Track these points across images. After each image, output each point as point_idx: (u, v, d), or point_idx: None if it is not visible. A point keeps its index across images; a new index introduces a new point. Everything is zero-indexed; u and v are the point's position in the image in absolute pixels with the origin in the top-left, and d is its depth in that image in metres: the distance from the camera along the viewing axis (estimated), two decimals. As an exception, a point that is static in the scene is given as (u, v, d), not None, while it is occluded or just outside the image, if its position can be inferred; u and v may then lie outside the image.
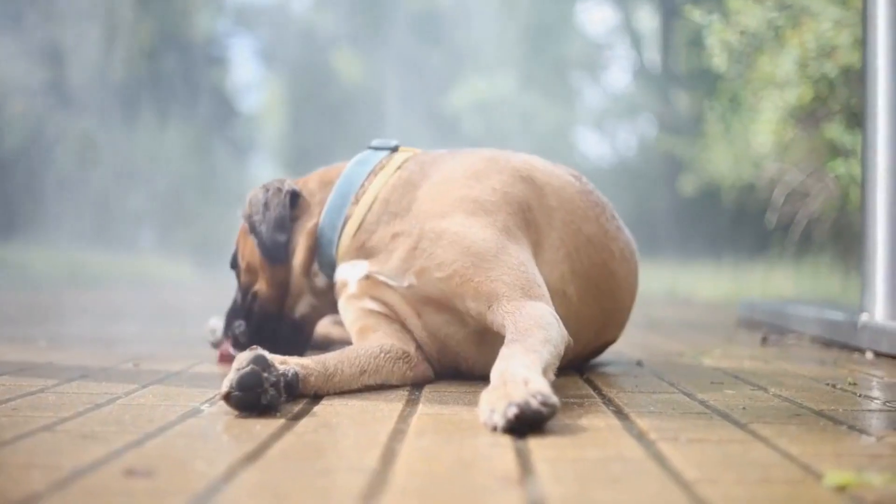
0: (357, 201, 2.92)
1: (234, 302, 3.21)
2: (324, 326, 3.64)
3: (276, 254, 3.01)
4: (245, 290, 3.16)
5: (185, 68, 19.36)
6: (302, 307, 3.10)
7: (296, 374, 2.39)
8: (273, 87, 24.56)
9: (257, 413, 2.19)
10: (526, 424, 1.97)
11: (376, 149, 3.10)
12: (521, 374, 2.10)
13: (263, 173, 24.90)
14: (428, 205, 2.78)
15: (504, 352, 2.28)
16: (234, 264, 3.22)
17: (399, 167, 2.96)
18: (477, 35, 22.96)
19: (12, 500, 1.44)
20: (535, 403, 1.98)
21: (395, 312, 2.80)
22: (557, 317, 2.54)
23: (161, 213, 18.03)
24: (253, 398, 2.19)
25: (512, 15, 22.73)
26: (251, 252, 3.11)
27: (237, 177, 21.23)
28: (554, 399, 2.02)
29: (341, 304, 2.95)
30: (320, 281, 3.05)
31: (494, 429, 2.00)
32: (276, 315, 3.11)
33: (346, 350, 2.65)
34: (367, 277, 2.83)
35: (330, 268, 2.99)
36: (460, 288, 2.63)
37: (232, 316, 3.19)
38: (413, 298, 2.75)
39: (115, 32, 14.37)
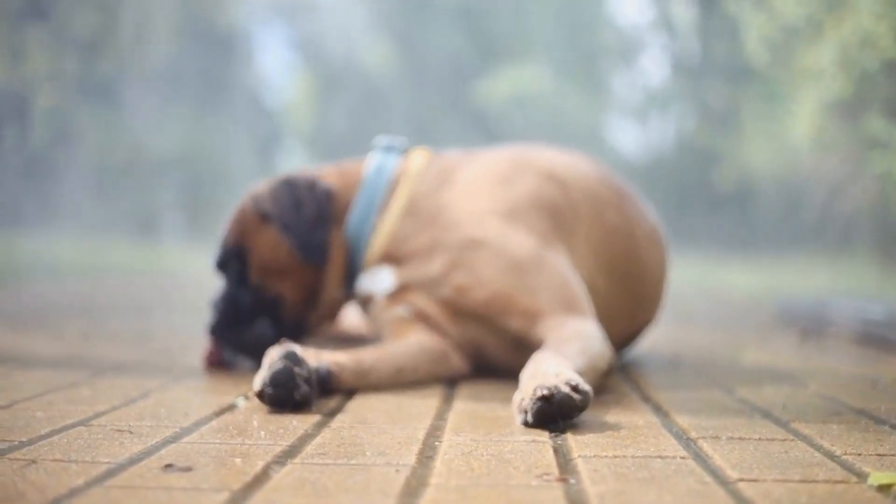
0: (382, 212, 2.88)
1: (229, 303, 2.92)
2: (356, 324, 3.60)
3: (317, 254, 2.87)
4: (258, 292, 2.92)
5: (215, 58, 19.42)
6: (321, 314, 3.04)
7: (328, 371, 2.39)
8: (304, 77, 24.58)
9: (291, 408, 2.19)
10: (557, 411, 1.98)
11: (386, 149, 3.04)
12: (552, 369, 2.10)
13: (292, 163, 24.94)
14: (461, 213, 2.75)
15: (535, 355, 2.28)
16: (232, 263, 2.94)
17: (419, 173, 2.92)
18: (510, 27, 22.92)
19: (51, 495, 1.44)
20: (565, 388, 1.99)
21: (429, 318, 2.77)
22: (603, 334, 2.55)
23: (188, 204, 18.11)
24: (286, 394, 2.19)
25: (545, 6, 22.68)
26: (273, 251, 2.90)
27: (265, 167, 21.25)
28: (586, 387, 2.02)
29: (372, 311, 2.91)
30: (344, 289, 2.99)
31: (526, 420, 2.01)
32: (300, 322, 2.98)
33: (383, 348, 2.64)
34: (400, 287, 2.80)
35: (354, 278, 2.94)
36: (504, 308, 2.63)
37: (235, 323, 2.91)
38: (450, 308, 2.73)
39: (146, 22, 14.43)
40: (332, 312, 3.06)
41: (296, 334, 2.93)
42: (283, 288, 2.92)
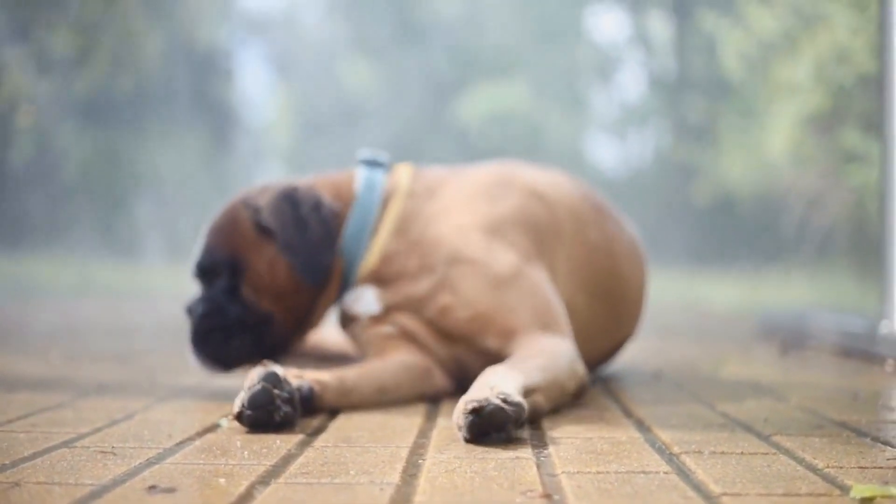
0: (375, 232, 2.82)
1: (213, 314, 2.80)
2: (334, 340, 3.57)
3: (322, 277, 2.77)
4: (249, 309, 2.79)
5: (194, 78, 19.39)
6: (309, 333, 2.99)
7: (310, 390, 2.37)
8: (282, 97, 24.59)
9: (272, 430, 2.18)
10: (487, 422, 1.99)
11: (370, 164, 2.96)
12: (490, 382, 2.13)
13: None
14: (445, 230, 2.74)
15: (485, 370, 2.29)
16: (222, 274, 2.82)
17: (407, 192, 2.87)
18: (487, 44, 22.99)
19: (34, 518, 1.44)
20: (496, 401, 2.00)
21: (415, 337, 2.76)
22: (575, 354, 2.56)
23: (170, 225, 18.09)
24: (265, 416, 2.18)
25: (522, 23, 22.76)
26: (271, 270, 2.77)
27: (246, 185, 21.21)
28: (518, 399, 2.04)
29: (355, 330, 2.88)
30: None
31: (464, 436, 2.03)
32: (286, 340, 2.89)
33: (366, 366, 2.63)
34: (386, 308, 2.78)
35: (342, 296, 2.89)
36: (482, 327, 2.64)
37: (218, 335, 2.81)
38: (434, 328, 2.72)
39: (123, 43, 14.43)
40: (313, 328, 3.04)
41: (280, 352, 2.87)
42: (275, 307, 2.81)
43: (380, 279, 2.80)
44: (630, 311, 3.15)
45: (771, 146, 7.86)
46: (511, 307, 2.61)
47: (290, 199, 2.81)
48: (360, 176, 2.93)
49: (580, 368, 2.54)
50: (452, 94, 22.06)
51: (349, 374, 2.53)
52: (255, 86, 24.21)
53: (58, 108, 12.62)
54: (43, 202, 11.98)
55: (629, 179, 21.62)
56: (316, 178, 2.98)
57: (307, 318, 2.89)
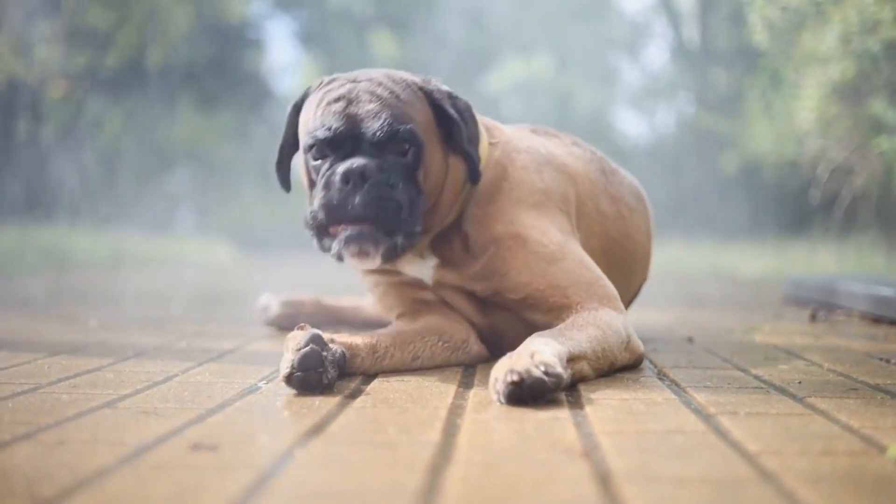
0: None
1: (382, 192, 2.44)
2: (375, 312, 3.52)
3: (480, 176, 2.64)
4: (419, 194, 2.52)
5: (223, 52, 19.41)
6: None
7: (343, 354, 2.37)
8: (310, 69, 24.59)
9: (319, 391, 2.19)
10: (527, 392, 2.01)
11: None
12: (532, 349, 2.13)
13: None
14: (494, 213, 2.66)
15: (532, 336, 2.30)
16: (396, 145, 2.51)
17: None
18: (514, 15, 22.93)
19: (81, 474, 1.46)
20: (536, 372, 2.02)
21: (457, 308, 2.74)
22: (630, 327, 2.56)
23: (200, 196, 18.14)
24: (315, 378, 2.18)
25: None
26: (442, 161, 2.61)
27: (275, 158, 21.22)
28: (559, 370, 2.05)
29: (396, 290, 2.82)
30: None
31: (499, 399, 2.03)
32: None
33: (399, 333, 2.61)
34: (437, 284, 2.72)
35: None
36: (533, 305, 2.61)
37: (393, 206, 2.46)
38: (479, 301, 2.71)
39: (154, 16, 14.45)
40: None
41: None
42: (429, 200, 2.59)
43: (443, 255, 2.70)
44: (640, 261, 3.20)
45: (799, 116, 7.82)
46: (564, 285, 2.59)
47: (456, 97, 2.66)
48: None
49: (636, 342, 2.55)
50: (480, 67, 22.02)
51: (381, 340, 2.53)
52: (285, 58, 24.22)
53: (90, 82, 12.68)
54: (77, 175, 12.06)
55: (655, 148, 21.55)
56: None
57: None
